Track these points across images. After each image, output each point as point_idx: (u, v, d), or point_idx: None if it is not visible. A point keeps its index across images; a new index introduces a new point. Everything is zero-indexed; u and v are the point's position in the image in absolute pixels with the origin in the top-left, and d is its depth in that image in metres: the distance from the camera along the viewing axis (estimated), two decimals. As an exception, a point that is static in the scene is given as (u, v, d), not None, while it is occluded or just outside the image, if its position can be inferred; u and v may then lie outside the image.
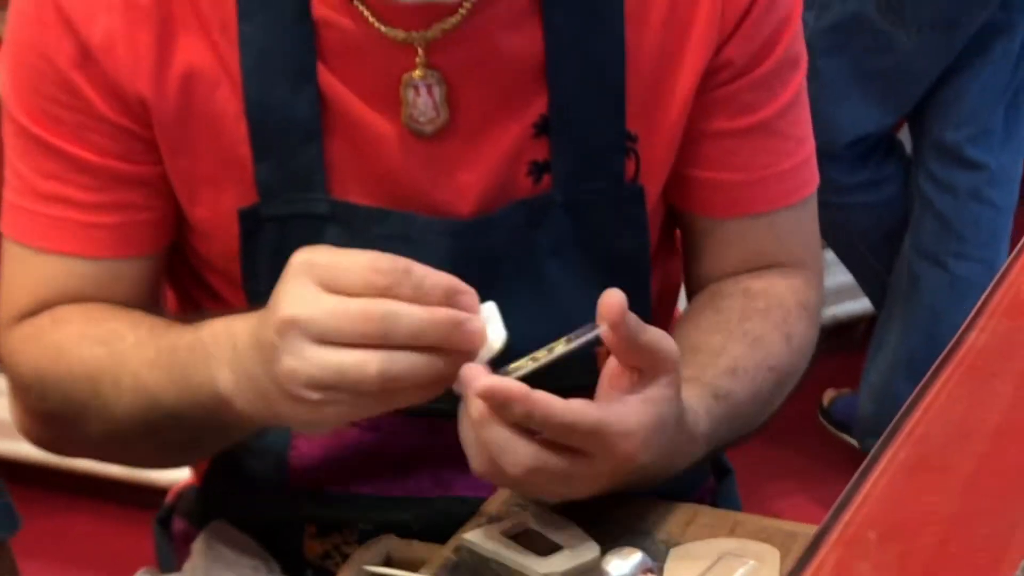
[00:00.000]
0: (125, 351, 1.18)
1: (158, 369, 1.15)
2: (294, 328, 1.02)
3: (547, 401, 1.02)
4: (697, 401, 1.18)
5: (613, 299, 1.05)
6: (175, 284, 1.36)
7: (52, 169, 1.23)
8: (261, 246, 1.24)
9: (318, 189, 1.22)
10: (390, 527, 1.22)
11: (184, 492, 1.42)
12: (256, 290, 1.24)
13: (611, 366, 1.09)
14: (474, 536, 1.14)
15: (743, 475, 1.51)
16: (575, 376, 1.11)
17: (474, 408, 1.05)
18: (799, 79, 1.32)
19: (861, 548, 0.58)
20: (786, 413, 1.35)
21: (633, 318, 1.06)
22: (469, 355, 1.04)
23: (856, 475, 0.59)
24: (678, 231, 1.39)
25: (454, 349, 1.03)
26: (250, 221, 1.23)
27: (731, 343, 1.26)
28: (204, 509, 1.36)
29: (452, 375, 1.04)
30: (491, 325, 1.06)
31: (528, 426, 1.04)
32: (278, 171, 1.22)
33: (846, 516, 0.58)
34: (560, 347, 1.07)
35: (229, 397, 1.10)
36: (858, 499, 0.59)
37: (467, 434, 1.07)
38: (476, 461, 1.07)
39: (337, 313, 1.01)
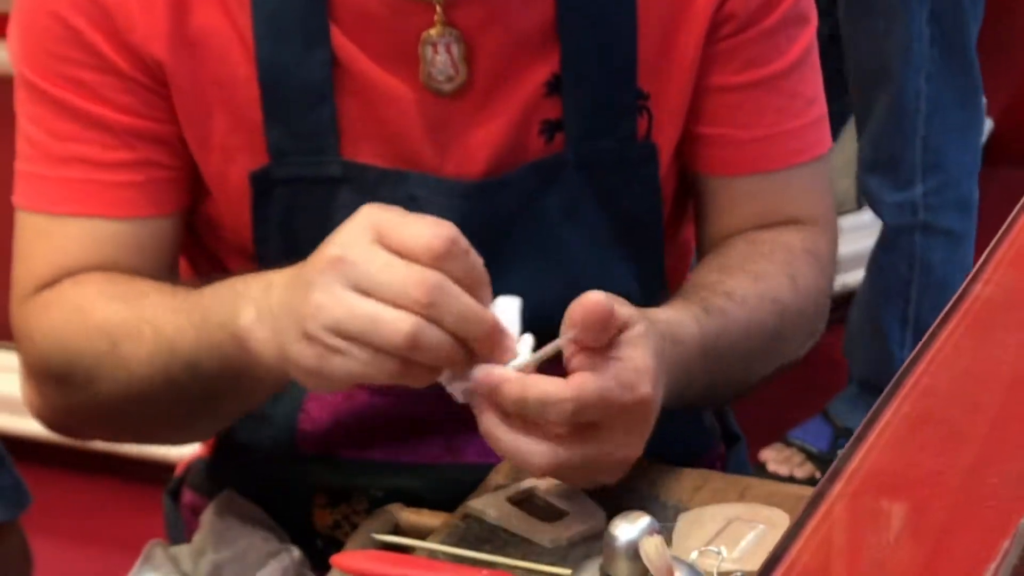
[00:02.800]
0: (146, 305, 1.17)
1: (179, 314, 1.14)
2: (339, 267, 1.01)
3: (540, 384, 1.02)
4: (677, 312, 1.17)
5: (592, 303, 1.03)
6: (191, 260, 1.36)
7: (70, 131, 1.22)
8: (272, 209, 1.23)
9: (330, 151, 1.22)
10: (400, 494, 1.22)
11: (193, 464, 1.42)
12: (266, 255, 1.23)
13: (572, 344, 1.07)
14: (481, 504, 1.14)
15: (753, 443, 1.51)
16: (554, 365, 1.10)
17: (484, 420, 1.05)
18: (807, 37, 1.31)
19: (864, 502, 0.57)
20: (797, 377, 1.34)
21: (603, 312, 1.04)
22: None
23: (859, 429, 0.58)
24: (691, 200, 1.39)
25: (481, 353, 1.03)
26: (261, 183, 1.23)
27: (730, 277, 1.25)
28: (213, 480, 1.36)
29: (461, 369, 1.03)
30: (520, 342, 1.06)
31: (528, 415, 1.03)
32: (289, 133, 1.22)
33: (849, 469, 0.57)
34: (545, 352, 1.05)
35: (245, 333, 1.08)
36: (861, 453, 0.58)
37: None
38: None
39: (392, 267, 1.00)
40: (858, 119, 2.73)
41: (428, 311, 0.99)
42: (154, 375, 1.15)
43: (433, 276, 1.00)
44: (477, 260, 1.03)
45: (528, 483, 1.15)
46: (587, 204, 1.26)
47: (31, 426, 1.26)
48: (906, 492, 0.59)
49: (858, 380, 2.86)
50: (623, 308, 1.06)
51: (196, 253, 1.34)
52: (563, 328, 1.05)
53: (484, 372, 1.03)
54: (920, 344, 0.63)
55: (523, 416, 1.03)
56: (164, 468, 1.76)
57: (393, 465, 1.29)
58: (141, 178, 1.23)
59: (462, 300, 1.00)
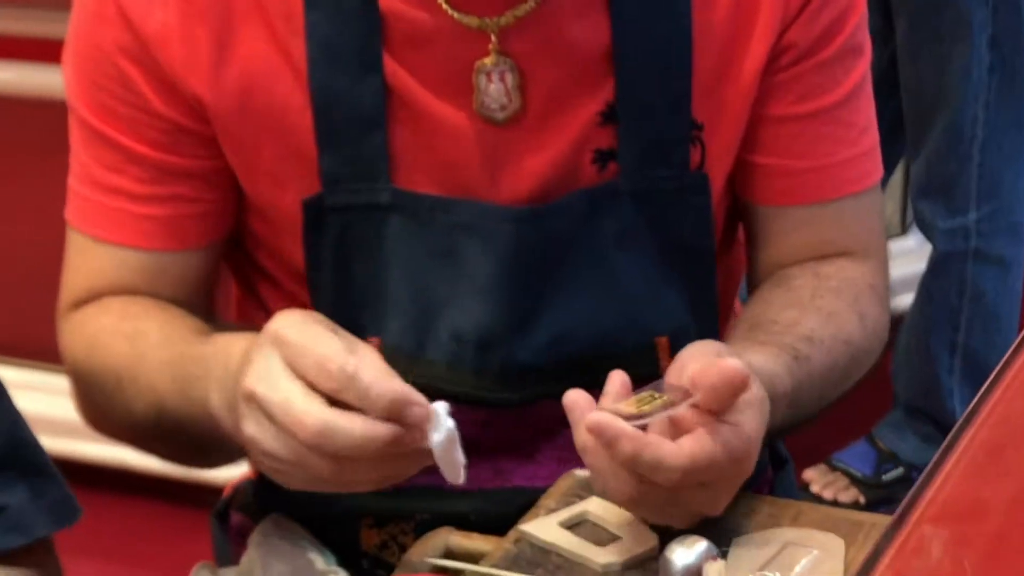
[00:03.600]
0: (146, 351, 1.20)
1: (167, 375, 1.17)
2: (253, 402, 1.03)
3: (657, 444, 1.01)
4: (776, 361, 1.17)
5: (729, 371, 1.02)
6: (239, 277, 1.37)
7: (110, 160, 1.25)
8: (325, 236, 1.24)
9: (382, 178, 1.22)
10: (448, 518, 1.21)
11: (241, 486, 1.42)
12: (318, 280, 1.24)
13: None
14: (533, 527, 1.13)
15: (797, 463, 1.50)
16: (635, 366, 1.10)
17: (578, 435, 1.04)
18: (863, 68, 1.31)
19: (941, 528, 0.56)
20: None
21: (742, 382, 1.03)
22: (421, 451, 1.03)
23: (937, 455, 0.57)
24: (741, 224, 1.38)
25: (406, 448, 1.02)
26: (314, 211, 1.23)
27: (805, 316, 1.25)
28: (261, 502, 1.36)
29: (405, 469, 1.04)
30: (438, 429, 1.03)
31: (636, 469, 1.02)
32: (342, 161, 1.22)
33: (928, 495, 0.56)
34: (661, 405, 1.04)
35: (218, 416, 1.10)
36: (939, 479, 0.57)
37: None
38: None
39: (285, 408, 1.01)
40: (912, 144, 2.72)
41: (320, 451, 1.00)
42: (149, 421, 1.20)
43: (315, 420, 0.99)
44: (371, 381, 1.00)
45: (580, 506, 1.14)
46: (639, 232, 1.26)
47: (80, 448, 1.28)
48: (984, 518, 0.58)
49: (904, 405, 2.85)
50: (750, 382, 1.06)
51: (251, 273, 1.35)
52: (678, 372, 1.05)
53: (599, 419, 1.01)
54: (994, 372, 0.62)
55: (633, 468, 1.03)
56: (212, 491, 1.76)
57: (439, 490, 1.28)
58: (168, 213, 1.26)
59: (349, 436, 1.00)
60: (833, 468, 2.89)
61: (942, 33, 2.58)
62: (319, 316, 1.06)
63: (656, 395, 1.05)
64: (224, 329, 1.19)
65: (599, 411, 1.03)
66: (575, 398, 1.04)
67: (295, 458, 1.01)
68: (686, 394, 1.03)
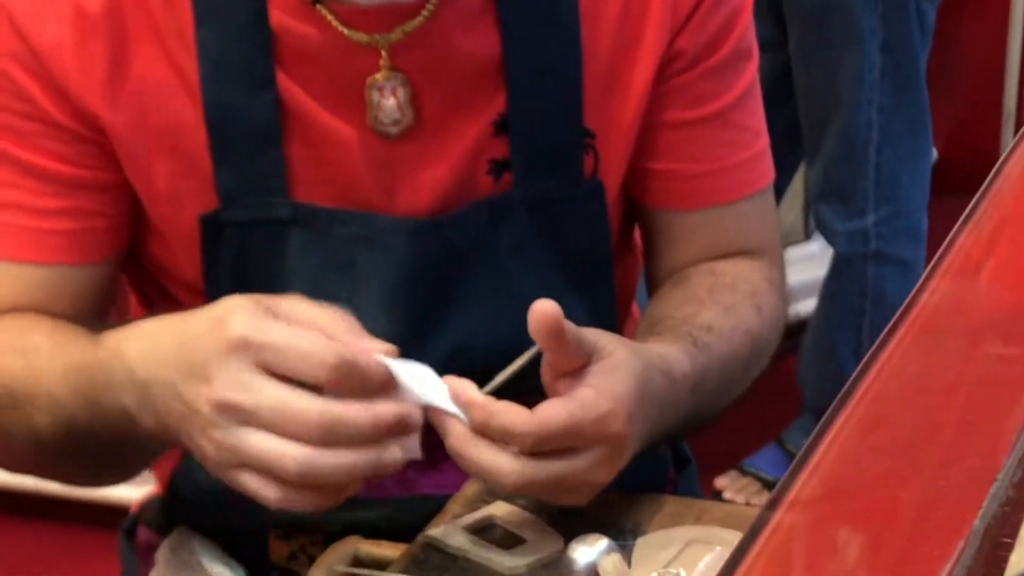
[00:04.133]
0: (39, 364, 1.16)
1: (68, 387, 1.13)
2: (228, 412, 1.00)
3: (505, 413, 1.02)
4: (674, 346, 1.18)
5: (545, 308, 1.03)
6: (137, 292, 1.36)
7: (4, 177, 1.23)
8: (223, 251, 1.23)
9: (279, 193, 1.22)
10: (356, 527, 1.22)
11: (149, 502, 1.42)
12: (217, 295, 1.23)
13: (550, 368, 1.07)
14: (439, 532, 1.14)
15: (708, 471, 1.52)
16: (537, 375, 1.11)
17: (450, 435, 1.05)
18: (752, 71, 1.33)
19: (817, 509, 0.58)
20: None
21: (566, 324, 1.04)
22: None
23: (811, 437, 0.59)
24: (637, 228, 1.40)
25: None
26: (211, 226, 1.23)
27: (704, 309, 1.27)
28: (168, 517, 1.36)
29: (377, 469, 1.02)
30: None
31: (492, 438, 1.04)
32: (238, 177, 1.22)
33: (802, 477, 0.58)
34: (506, 371, 1.06)
35: (138, 418, 1.08)
36: (814, 460, 0.58)
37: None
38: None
39: (282, 409, 0.99)
40: (809, 149, 2.76)
41: (324, 445, 0.99)
42: (58, 435, 1.15)
43: (324, 415, 0.99)
44: (368, 366, 1.00)
45: (486, 511, 1.15)
46: (536, 241, 1.27)
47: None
48: (858, 498, 0.59)
49: (812, 408, 2.88)
50: (600, 335, 1.07)
51: (147, 286, 1.34)
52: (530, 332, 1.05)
53: (455, 393, 1.03)
54: (869, 353, 0.64)
55: (488, 436, 1.04)
56: (119, 511, 1.75)
57: (346, 501, 1.29)
58: (72, 225, 1.24)
59: (358, 425, 0.99)
60: (745, 473, 2.91)
61: (833, 39, 2.61)
62: (253, 300, 1.03)
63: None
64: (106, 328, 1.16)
65: (452, 379, 1.04)
66: (440, 416, 1.05)
67: (265, 463, 1.00)
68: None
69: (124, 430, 1.10)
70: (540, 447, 1.03)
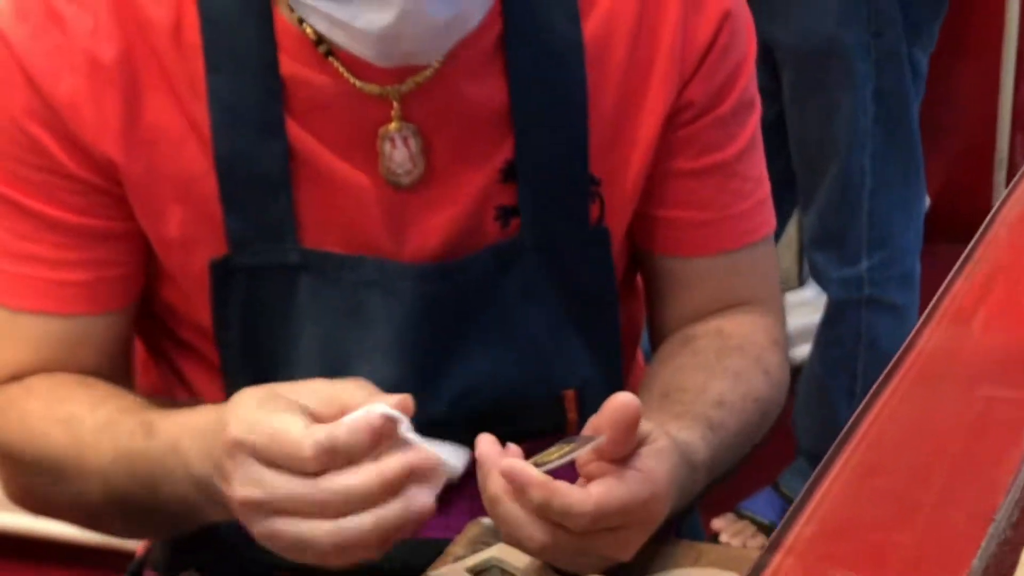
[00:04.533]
0: (85, 439, 1.18)
1: (123, 472, 1.16)
2: (250, 508, 1.03)
3: (565, 492, 1.03)
4: (691, 433, 1.19)
5: (627, 402, 1.05)
6: (145, 337, 1.37)
7: (23, 230, 1.24)
8: (232, 296, 1.25)
9: (289, 239, 1.24)
10: (361, 569, 1.22)
11: (154, 545, 1.42)
12: (227, 340, 1.25)
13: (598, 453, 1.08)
14: (441, 574, 1.15)
15: (704, 513, 1.53)
16: (543, 420, 1.12)
17: (489, 485, 1.06)
18: (755, 121, 1.35)
19: (816, 552, 0.60)
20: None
21: (635, 411, 1.05)
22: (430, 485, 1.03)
23: (811, 479, 0.61)
24: (639, 274, 1.41)
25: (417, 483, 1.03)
26: (221, 272, 1.25)
27: (713, 380, 1.28)
28: (174, 560, 1.37)
29: (406, 524, 1.03)
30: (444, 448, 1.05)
31: (546, 517, 1.05)
32: (248, 223, 1.24)
33: (801, 520, 0.59)
34: (568, 450, 1.06)
35: (202, 508, 1.11)
36: (813, 502, 0.60)
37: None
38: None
39: (293, 494, 1.01)
40: (804, 195, 2.77)
41: (343, 513, 1.01)
42: (109, 507, 1.19)
43: (329, 488, 1.00)
44: (350, 436, 1.01)
45: (487, 553, 1.16)
46: (543, 286, 1.28)
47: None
48: (858, 540, 0.61)
49: (807, 452, 2.89)
50: (644, 422, 1.08)
51: (155, 335, 1.35)
52: (588, 427, 1.06)
53: (511, 466, 1.04)
54: (867, 397, 0.66)
55: (544, 516, 1.05)
56: (125, 555, 1.76)
57: None
58: (91, 276, 1.25)
59: (366, 488, 1.00)
60: (741, 516, 2.92)
61: (827, 86, 2.63)
62: (264, 391, 1.05)
63: (567, 446, 1.07)
64: (143, 406, 1.19)
65: (510, 459, 1.05)
66: (487, 451, 1.06)
67: (301, 542, 1.01)
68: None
69: (188, 513, 1.13)
70: (593, 527, 1.05)
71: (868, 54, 2.60)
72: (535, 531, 1.06)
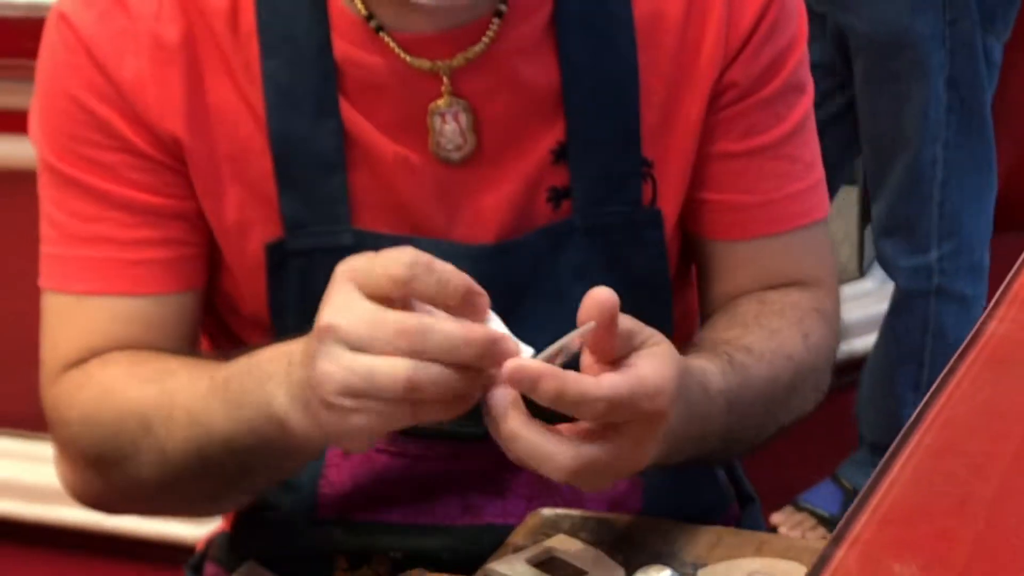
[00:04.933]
0: (176, 388, 1.18)
1: (212, 398, 1.15)
2: (331, 334, 1.02)
3: (578, 380, 1.02)
4: (706, 361, 1.18)
5: (602, 295, 1.04)
6: (210, 336, 1.37)
7: (92, 212, 1.24)
8: (287, 280, 1.25)
9: (342, 221, 1.24)
10: (419, 555, 1.23)
11: (215, 538, 1.42)
12: (282, 326, 1.25)
13: (592, 355, 1.07)
14: (501, 566, 1.14)
15: (765, 506, 1.52)
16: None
17: (505, 426, 1.04)
18: (805, 104, 1.34)
19: (882, 541, 0.58)
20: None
21: (612, 302, 1.04)
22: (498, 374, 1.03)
23: (880, 464, 0.59)
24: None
25: (487, 367, 1.03)
26: (276, 255, 1.25)
27: (746, 333, 1.27)
28: (235, 552, 1.37)
29: (477, 392, 1.03)
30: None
31: (561, 408, 1.03)
32: (303, 204, 1.24)
33: (871, 504, 0.58)
34: (567, 340, 1.05)
35: (283, 415, 1.09)
36: (879, 493, 0.59)
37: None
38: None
39: (373, 322, 1.01)
40: (873, 185, 2.76)
41: (418, 354, 1.00)
42: (189, 456, 1.17)
43: (412, 321, 1.01)
44: (445, 268, 1.03)
45: (547, 544, 1.16)
46: (596, 267, 1.28)
47: (51, 512, 1.26)
48: (930, 521, 0.60)
49: (869, 444, 2.87)
50: (640, 325, 1.07)
51: (214, 329, 1.36)
52: (583, 316, 1.05)
53: (517, 366, 1.02)
54: (939, 379, 0.65)
55: (557, 408, 1.03)
56: (186, 549, 1.77)
57: (411, 527, 1.29)
58: (162, 255, 1.25)
59: (447, 333, 1.00)
60: (800, 509, 2.91)
61: (901, 74, 2.61)
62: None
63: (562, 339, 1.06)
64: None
65: (512, 361, 1.03)
66: (497, 398, 1.04)
67: (372, 378, 1.00)
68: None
69: (263, 435, 1.11)
70: (606, 416, 1.04)
71: (942, 43, 2.59)
72: (560, 453, 1.03)
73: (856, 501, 0.58)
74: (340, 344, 1.02)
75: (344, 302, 1.03)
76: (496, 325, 1.05)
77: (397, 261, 1.02)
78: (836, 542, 0.57)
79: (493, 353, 1.02)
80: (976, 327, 0.68)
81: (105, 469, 1.23)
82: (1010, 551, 0.56)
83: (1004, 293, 0.69)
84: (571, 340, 1.04)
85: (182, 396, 1.17)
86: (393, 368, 1.00)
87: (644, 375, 1.05)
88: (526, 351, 1.04)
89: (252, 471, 1.18)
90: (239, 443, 1.14)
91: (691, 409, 1.12)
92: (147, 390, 1.19)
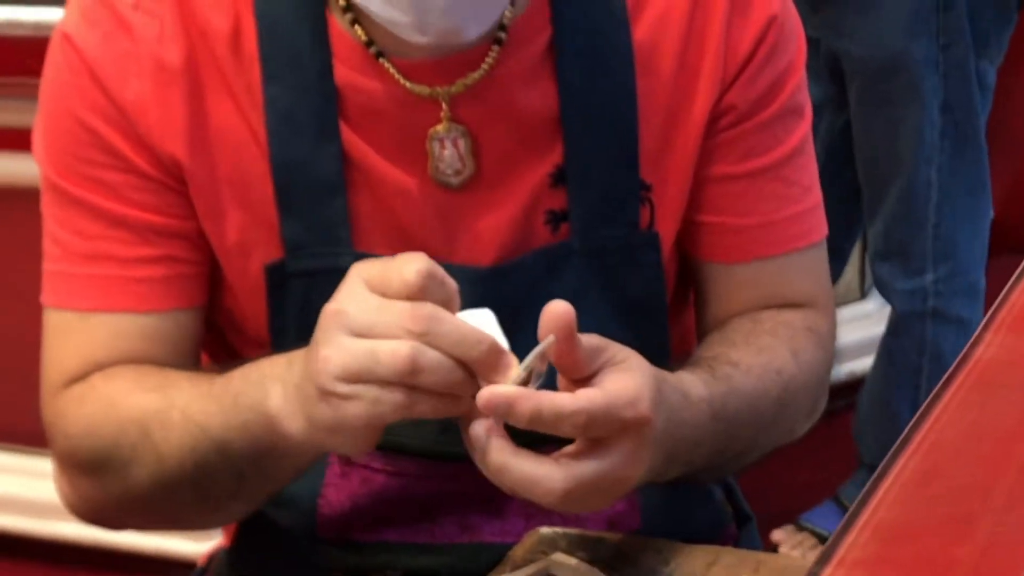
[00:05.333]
0: (176, 394, 1.19)
1: (209, 399, 1.17)
2: (337, 318, 1.04)
3: (552, 398, 1.03)
4: (686, 372, 1.20)
5: (558, 309, 1.05)
6: (209, 351, 1.38)
7: (94, 230, 1.25)
8: (288, 301, 1.26)
9: (343, 243, 1.25)
10: (418, 574, 1.23)
11: (216, 555, 1.43)
12: (284, 347, 1.25)
13: (562, 374, 1.09)
14: (499, 582, 1.15)
15: (765, 526, 1.52)
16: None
17: (491, 459, 1.06)
18: (803, 128, 1.34)
19: (875, 553, 0.59)
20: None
21: (566, 311, 1.06)
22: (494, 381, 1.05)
23: (868, 485, 0.60)
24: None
25: (482, 373, 1.04)
26: (277, 276, 1.26)
27: (734, 349, 1.28)
28: (235, 568, 1.37)
29: (470, 394, 1.04)
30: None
31: (540, 429, 1.04)
32: (304, 227, 1.25)
33: (858, 524, 0.59)
34: (532, 361, 1.06)
35: (275, 413, 1.10)
36: (869, 508, 0.60)
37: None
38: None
39: (383, 308, 1.03)
40: (869, 208, 2.77)
41: (425, 338, 1.02)
42: (184, 459, 1.18)
43: (425, 306, 1.03)
44: (453, 286, 1.06)
45: (545, 562, 1.16)
46: (593, 290, 1.28)
47: (51, 527, 1.27)
48: (914, 544, 0.61)
49: (868, 464, 2.87)
50: (606, 342, 1.08)
51: (216, 347, 1.36)
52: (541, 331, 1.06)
53: (490, 393, 1.03)
54: (925, 404, 0.66)
55: (536, 428, 1.04)
56: (186, 564, 1.78)
57: (409, 546, 1.30)
58: (164, 272, 1.26)
59: (456, 324, 1.03)
60: (801, 528, 2.91)
61: (894, 98, 2.63)
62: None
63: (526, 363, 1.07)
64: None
65: (484, 390, 1.04)
66: (478, 431, 1.06)
67: (374, 356, 1.02)
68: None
69: (256, 437, 1.13)
70: (587, 430, 1.05)
71: (936, 67, 2.60)
72: (551, 478, 1.05)
73: (843, 521, 0.59)
74: (344, 330, 1.04)
75: (354, 293, 1.05)
76: (503, 343, 1.06)
77: (411, 266, 1.04)
78: (823, 562, 0.58)
79: (496, 361, 1.04)
80: (964, 350, 0.69)
81: (103, 478, 1.24)
82: (997, 572, 0.57)
83: (992, 317, 0.70)
84: (535, 359, 1.05)
85: (181, 400, 1.19)
86: (397, 346, 1.02)
87: (618, 386, 1.06)
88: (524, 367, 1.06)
89: (245, 477, 1.19)
90: (233, 446, 1.15)
91: (673, 415, 1.13)
92: (149, 398, 1.21)
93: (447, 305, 1.05)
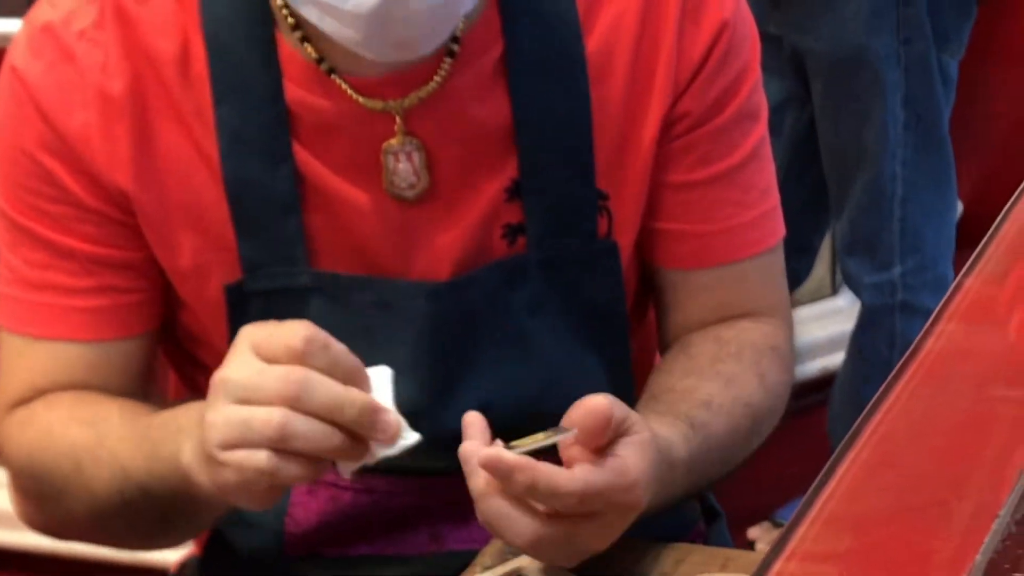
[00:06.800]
0: (107, 431, 1.21)
1: (131, 443, 1.18)
2: (223, 386, 1.05)
3: (550, 474, 1.04)
4: (671, 430, 1.19)
5: (597, 406, 1.06)
6: (175, 367, 1.39)
7: (39, 259, 1.26)
8: (249, 320, 1.24)
9: (299, 262, 1.25)
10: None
11: (187, 561, 1.43)
12: None
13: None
14: (468, 586, 1.15)
15: (741, 523, 1.53)
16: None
17: (474, 483, 1.07)
18: (759, 131, 1.34)
19: (827, 543, 0.60)
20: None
21: (604, 417, 1.07)
22: (373, 444, 1.06)
23: (820, 475, 0.61)
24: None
25: (364, 433, 1.05)
26: (236, 296, 1.26)
27: (704, 382, 1.28)
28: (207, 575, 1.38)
29: (346, 455, 1.05)
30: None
31: (533, 499, 1.06)
32: (261, 247, 1.25)
33: (810, 516, 0.59)
34: (543, 438, 1.07)
35: (186, 469, 1.11)
36: (821, 500, 0.60)
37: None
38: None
39: (261, 372, 1.04)
40: (836, 202, 2.77)
41: (296, 404, 1.03)
42: (112, 497, 1.20)
43: (296, 371, 1.03)
44: (340, 349, 1.06)
45: (514, 563, 1.17)
46: (552, 300, 1.28)
47: (20, 537, 1.26)
48: (864, 534, 0.61)
49: None
50: (626, 412, 1.09)
51: (180, 359, 1.37)
52: (565, 419, 1.07)
53: (493, 456, 1.04)
54: (877, 394, 0.66)
55: (530, 498, 1.06)
56: (157, 572, 1.77)
57: (378, 559, 1.30)
58: (108, 303, 1.27)
59: (328, 387, 1.03)
60: (777, 524, 2.92)
61: (857, 94, 2.63)
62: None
63: (541, 434, 1.08)
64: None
65: (489, 449, 1.05)
66: (470, 449, 1.07)
67: (247, 424, 1.03)
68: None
69: (174, 487, 1.14)
70: (580, 508, 1.06)
71: (897, 62, 2.61)
72: (523, 524, 1.06)
73: (796, 512, 0.59)
74: (228, 396, 1.05)
75: (239, 358, 1.06)
76: (385, 400, 1.07)
77: (296, 333, 1.05)
78: (777, 552, 0.59)
79: (373, 421, 1.04)
80: (915, 341, 0.69)
81: (43, 504, 1.27)
82: (944, 562, 0.58)
83: (944, 307, 0.71)
84: (549, 442, 1.06)
85: (111, 438, 1.20)
86: (269, 414, 1.03)
87: (624, 468, 1.07)
88: (411, 436, 1.07)
89: (169, 519, 1.22)
90: (154, 491, 1.17)
91: (658, 486, 1.13)
92: (82, 432, 1.22)
93: (331, 369, 1.04)
